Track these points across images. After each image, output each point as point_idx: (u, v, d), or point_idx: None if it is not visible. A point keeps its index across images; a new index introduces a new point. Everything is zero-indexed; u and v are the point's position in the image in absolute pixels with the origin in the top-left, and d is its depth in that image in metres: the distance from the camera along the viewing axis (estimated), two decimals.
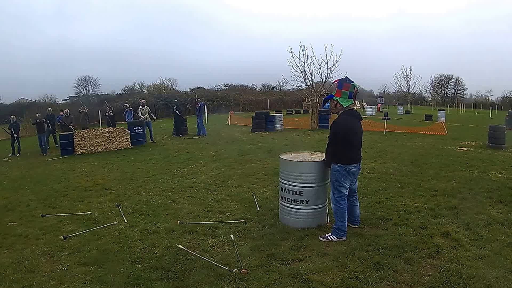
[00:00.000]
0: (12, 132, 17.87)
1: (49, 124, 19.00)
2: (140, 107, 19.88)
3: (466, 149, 14.30)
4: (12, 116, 18.72)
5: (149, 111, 20.13)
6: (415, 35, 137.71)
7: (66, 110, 20.87)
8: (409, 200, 7.25)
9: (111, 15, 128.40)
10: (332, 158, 5.56)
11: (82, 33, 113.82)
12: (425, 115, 35.61)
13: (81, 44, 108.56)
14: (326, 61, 23.29)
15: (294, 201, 5.81)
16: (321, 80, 23.91)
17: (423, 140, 17.04)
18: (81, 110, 21.97)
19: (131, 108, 21.59)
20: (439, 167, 10.52)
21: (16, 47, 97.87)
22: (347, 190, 5.60)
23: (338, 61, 23.12)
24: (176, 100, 24.20)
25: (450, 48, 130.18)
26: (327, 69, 23.36)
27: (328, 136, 5.64)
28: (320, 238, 5.49)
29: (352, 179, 5.63)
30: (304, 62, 23.45)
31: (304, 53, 23.49)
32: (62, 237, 5.96)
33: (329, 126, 5.81)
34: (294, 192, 5.79)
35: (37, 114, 18.68)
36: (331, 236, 5.46)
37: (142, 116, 19.26)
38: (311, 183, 5.74)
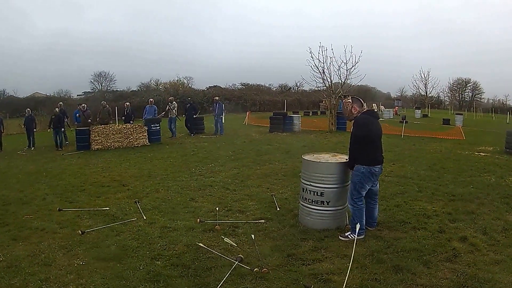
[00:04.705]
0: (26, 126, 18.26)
1: (65, 119, 19.03)
2: (169, 103, 20.36)
3: (483, 154, 14.20)
4: (27, 109, 19.00)
5: (175, 108, 20.45)
6: (434, 36, 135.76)
7: (83, 104, 20.84)
8: (427, 204, 7.28)
9: (120, 11, 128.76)
10: (356, 159, 5.59)
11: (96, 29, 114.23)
12: (443, 119, 35.16)
13: (95, 37, 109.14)
14: (345, 62, 23.17)
15: (314, 201, 5.88)
16: (340, 81, 23.82)
17: (440, 145, 16.92)
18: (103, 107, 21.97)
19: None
20: (457, 172, 10.50)
21: (28, 41, 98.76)
22: (366, 192, 5.67)
23: (357, 62, 22.98)
24: (189, 98, 24.28)
25: (469, 50, 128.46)
26: (346, 70, 23.26)
27: (352, 136, 5.67)
28: (340, 237, 5.56)
29: (374, 180, 5.68)
30: (323, 63, 23.41)
31: (323, 53, 23.52)
32: (80, 232, 5.97)
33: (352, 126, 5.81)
34: (315, 193, 5.86)
35: (56, 109, 18.76)
36: (350, 235, 5.52)
37: (172, 111, 20.02)
38: (332, 184, 5.80)
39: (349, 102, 5.74)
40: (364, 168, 5.52)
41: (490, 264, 4.77)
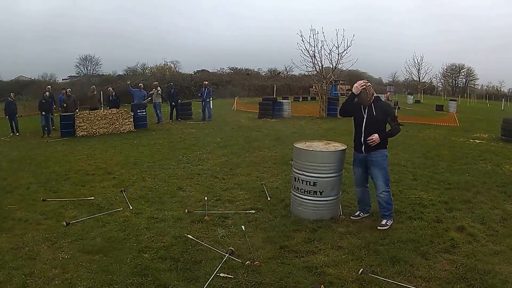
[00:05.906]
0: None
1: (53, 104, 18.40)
2: (154, 89, 19.99)
3: (478, 141, 14.16)
4: (12, 94, 18.36)
5: (161, 93, 20.16)
6: (429, 21, 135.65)
7: (68, 89, 20.05)
8: (423, 193, 7.17)
9: None
10: (381, 144, 5.62)
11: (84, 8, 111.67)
12: (436, 105, 35.06)
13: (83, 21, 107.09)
14: (337, 46, 22.86)
15: (307, 191, 5.69)
16: (331, 66, 23.52)
17: (434, 131, 16.85)
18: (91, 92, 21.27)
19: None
20: (452, 159, 10.41)
21: (13, 20, 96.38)
22: None
23: (349, 46, 22.64)
24: (172, 83, 23.93)
25: (464, 36, 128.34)
26: (338, 54, 22.94)
27: (392, 117, 5.72)
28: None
29: None
30: (314, 47, 23.01)
31: (314, 37, 23.00)
32: (65, 223, 5.79)
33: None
34: (308, 183, 5.66)
35: (46, 93, 18.09)
36: (389, 222, 5.52)
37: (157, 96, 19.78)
38: (326, 173, 5.62)
39: (370, 85, 5.53)
40: (386, 151, 5.66)
41: (489, 255, 4.69)
